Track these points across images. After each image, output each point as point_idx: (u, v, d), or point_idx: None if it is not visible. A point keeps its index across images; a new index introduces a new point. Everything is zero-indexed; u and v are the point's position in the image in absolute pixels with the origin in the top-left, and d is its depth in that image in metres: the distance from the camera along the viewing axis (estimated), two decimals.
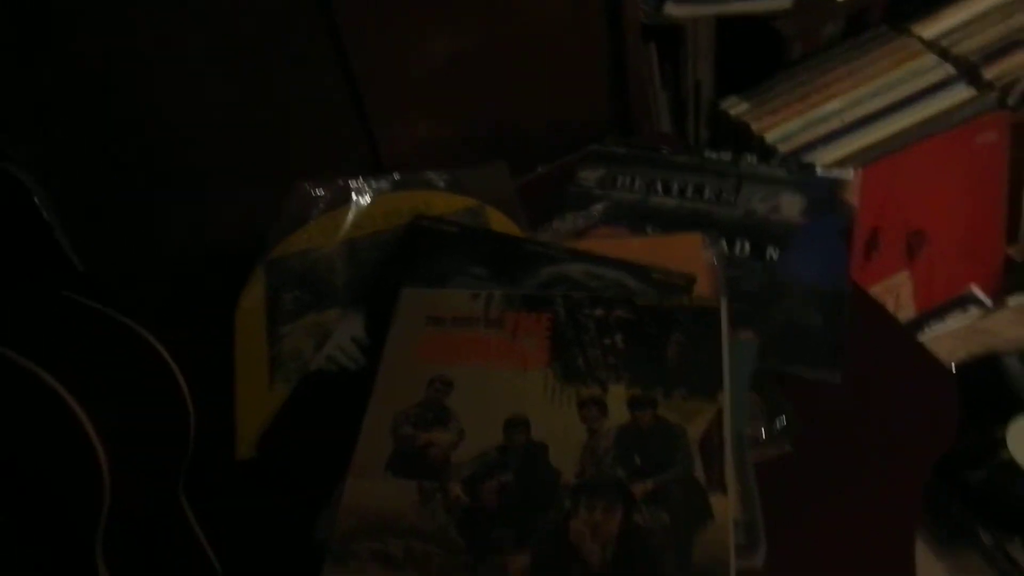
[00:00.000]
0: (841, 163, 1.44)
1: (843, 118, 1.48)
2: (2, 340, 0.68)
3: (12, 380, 0.67)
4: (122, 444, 0.73)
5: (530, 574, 0.81)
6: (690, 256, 1.04)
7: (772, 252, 1.08)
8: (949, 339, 1.51)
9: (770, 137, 1.47)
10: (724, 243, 1.09)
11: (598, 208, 1.14)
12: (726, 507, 0.80)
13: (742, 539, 0.83)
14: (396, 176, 1.17)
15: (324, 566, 0.84)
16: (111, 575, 0.76)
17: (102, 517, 0.71)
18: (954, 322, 1.59)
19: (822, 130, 1.49)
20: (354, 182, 1.17)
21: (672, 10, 1.51)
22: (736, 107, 1.54)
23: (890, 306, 1.52)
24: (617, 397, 0.90)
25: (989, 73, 1.59)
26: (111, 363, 0.78)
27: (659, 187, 1.18)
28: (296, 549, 0.85)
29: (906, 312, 1.61)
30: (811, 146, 1.47)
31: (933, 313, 1.62)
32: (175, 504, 0.92)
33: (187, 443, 0.88)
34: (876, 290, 1.54)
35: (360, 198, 1.15)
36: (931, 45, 1.65)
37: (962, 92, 1.58)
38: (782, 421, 0.93)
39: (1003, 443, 1.41)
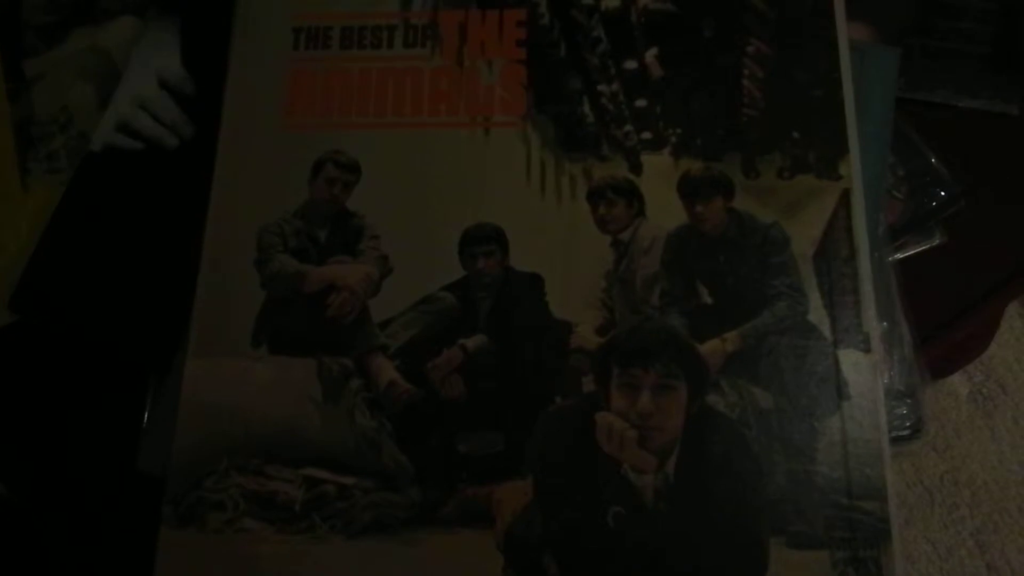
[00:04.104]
0: None
1: None
2: None
3: None
4: None
5: (537, 517, 0.46)
6: None
7: None
8: None
9: None
10: None
11: None
12: (872, 373, 0.49)
13: (898, 421, 0.49)
14: None
15: (161, 527, 0.47)
16: None
17: None
18: None
19: None
20: None
21: None
22: None
23: None
24: (659, 176, 0.53)
25: None
26: None
27: None
28: (112, 480, 0.54)
29: None
30: None
31: None
32: None
33: None
34: None
35: None
36: None
37: None
38: (935, 195, 0.54)
39: None
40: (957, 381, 1.06)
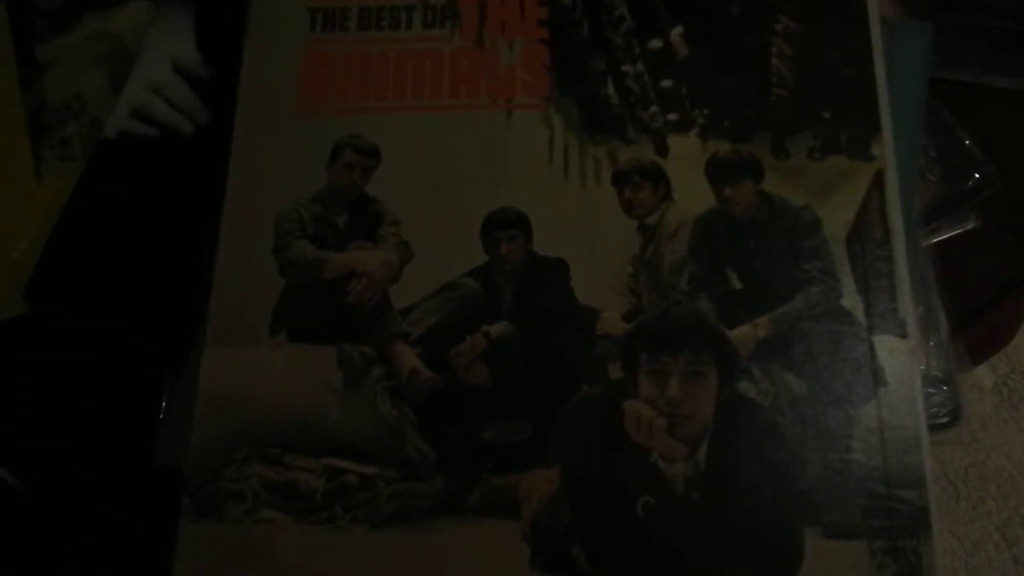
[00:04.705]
0: None
1: None
2: None
3: None
4: None
5: (564, 507, 0.45)
6: None
7: None
8: None
9: None
10: None
11: None
12: (909, 359, 0.47)
13: (935, 408, 0.47)
14: None
15: (181, 518, 0.46)
16: None
17: None
18: None
19: None
20: None
21: None
22: None
23: None
24: (686, 158, 0.52)
25: None
26: None
27: None
28: (126, 472, 0.52)
29: None
30: None
31: None
32: None
33: None
34: None
35: None
36: None
37: None
38: (969, 176, 0.52)
39: None
40: (982, 373, 1.04)
